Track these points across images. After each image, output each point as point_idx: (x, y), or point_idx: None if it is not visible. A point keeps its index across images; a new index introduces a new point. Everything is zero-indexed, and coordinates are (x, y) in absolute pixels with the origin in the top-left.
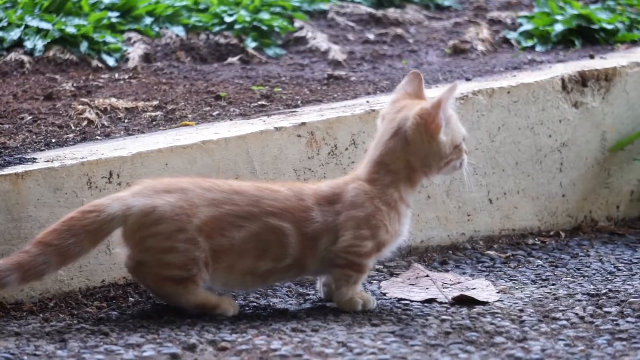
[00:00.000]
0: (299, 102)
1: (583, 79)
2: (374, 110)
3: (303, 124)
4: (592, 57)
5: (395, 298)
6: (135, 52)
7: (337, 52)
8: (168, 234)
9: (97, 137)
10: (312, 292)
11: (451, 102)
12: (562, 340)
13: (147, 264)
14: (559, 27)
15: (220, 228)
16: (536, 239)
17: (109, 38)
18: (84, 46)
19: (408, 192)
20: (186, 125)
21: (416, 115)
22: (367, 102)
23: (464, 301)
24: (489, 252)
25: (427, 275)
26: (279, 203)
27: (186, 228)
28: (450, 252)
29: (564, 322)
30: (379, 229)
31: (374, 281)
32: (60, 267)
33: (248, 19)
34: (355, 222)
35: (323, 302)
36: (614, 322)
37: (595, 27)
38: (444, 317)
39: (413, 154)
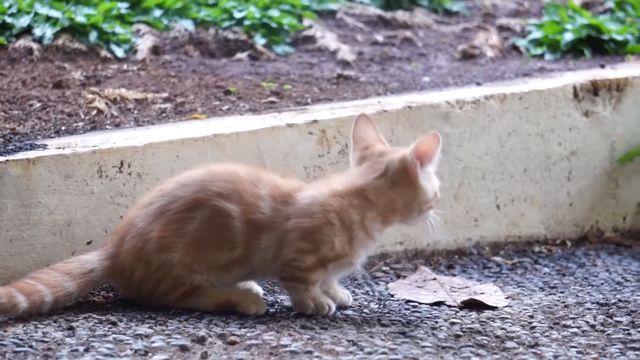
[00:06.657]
0: (309, 100)
1: (595, 88)
2: (385, 111)
3: (315, 121)
4: (603, 66)
5: (403, 300)
6: (144, 44)
7: (346, 52)
8: (150, 273)
9: (106, 126)
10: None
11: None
12: (574, 347)
13: (154, 296)
14: (568, 36)
15: (174, 230)
16: (542, 247)
17: (119, 29)
18: (93, 36)
19: (375, 225)
20: (196, 118)
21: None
22: (379, 102)
23: (473, 305)
24: (495, 258)
25: (435, 279)
26: (229, 184)
27: (151, 260)
28: (456, 256)
29: (575, 330)
30: (323, 244)
31: (382, 282)
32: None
33: (257, 15)
34: (301, 233)
35: None
36: (626, 332)
37: (605, 37)
38: (453, 320)
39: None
